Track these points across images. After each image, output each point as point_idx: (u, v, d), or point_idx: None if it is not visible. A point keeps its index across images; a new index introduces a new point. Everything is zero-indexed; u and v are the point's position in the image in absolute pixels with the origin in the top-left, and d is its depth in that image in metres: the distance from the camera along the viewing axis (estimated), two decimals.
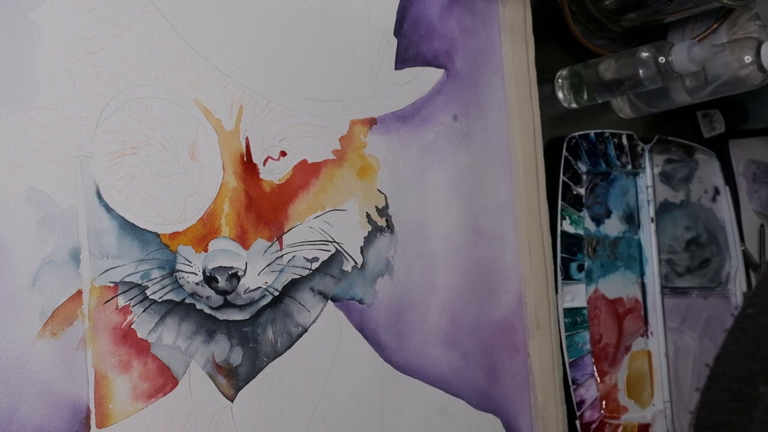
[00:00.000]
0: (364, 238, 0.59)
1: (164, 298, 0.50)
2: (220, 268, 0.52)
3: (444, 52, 0.64)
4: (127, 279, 0.49)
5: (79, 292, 0.47)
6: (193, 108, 0.52)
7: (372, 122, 0.60)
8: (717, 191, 0.84)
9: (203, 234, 0.52)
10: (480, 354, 0.63)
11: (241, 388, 0.53)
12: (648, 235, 0.77)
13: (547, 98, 0.75)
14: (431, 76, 0.64)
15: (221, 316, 0.52)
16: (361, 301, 0.58)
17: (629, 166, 0.77)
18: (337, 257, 0.57)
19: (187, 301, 0.51)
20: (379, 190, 0.60)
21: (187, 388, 0.51)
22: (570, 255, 0.71)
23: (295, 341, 0.55)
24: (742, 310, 0.34)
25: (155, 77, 0.51)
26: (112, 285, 0.48)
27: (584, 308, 0.72)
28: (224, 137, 0.53)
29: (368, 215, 0.59)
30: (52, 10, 0.48)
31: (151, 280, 0.50)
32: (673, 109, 0.79)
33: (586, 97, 0.75)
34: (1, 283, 0.45)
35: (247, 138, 0.54)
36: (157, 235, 0.50)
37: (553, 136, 0.73)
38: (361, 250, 0.59)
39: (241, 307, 0.53)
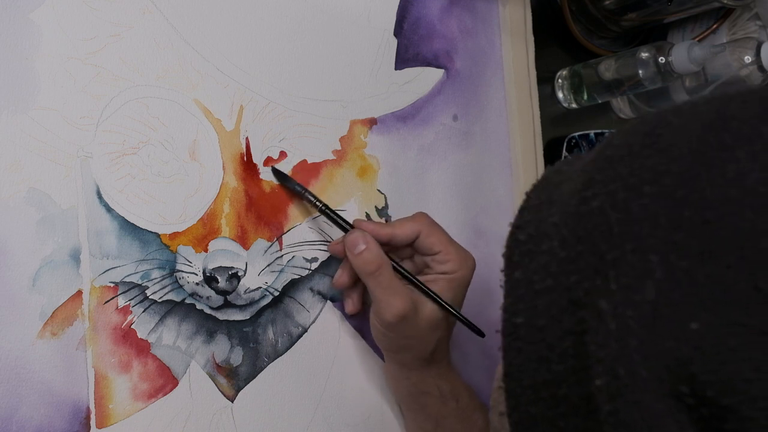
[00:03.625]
0: None
1: (164, 298, 0.50)
2: (220, 268, 0.52)
3: (444, 52, 0.64)
4: (127, 279, 0.49)
5: (79, 292, 0.47)
6: (193, 108, 0.52)
7: (372, 122, 0.60)
8: None
9: (203, 234, 0.52)
10: (480, 354, 0.63)
11: (242, 388, 0.53)
12: None
13: (547, 98, 0.75)
14: (431, 76, 0.64)
15: (221, 316, 0.52)
16: None
17: None
18: (336, 257, 0.57)
19: (188, 301, 0.51)
20: (379, 190, 0.60)
21: (187, 388, 0.51)
22: None
23: (296, 341, 0.55)
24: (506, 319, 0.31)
25: (155, 77, 0.51)
26: (112, 285, 0.48)
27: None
28: (224, 137, 0.53)
29: (368, 215, 0.59)
30: (52, 10, 0.48)
31: (151, 280, 0.50)
32: None
33: (586, 97, 0.75)
34: (1, 283, 0.45)
35: (247, 138, 0.54)
36: (158, 235, 0.50)
37: (553, 136, 0.73)
38: None
39: (242, 307, 0.53)
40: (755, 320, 0.23)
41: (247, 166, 0.54)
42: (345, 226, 0.53)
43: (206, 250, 0.52)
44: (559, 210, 0.29)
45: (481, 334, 0.53)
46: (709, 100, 0.28)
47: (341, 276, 0.55)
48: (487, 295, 0.64)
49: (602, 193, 0.27)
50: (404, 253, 0.55)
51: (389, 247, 0.53)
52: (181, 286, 0.51)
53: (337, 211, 0.55)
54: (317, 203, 0.53)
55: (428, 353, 0.52)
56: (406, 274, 0.52)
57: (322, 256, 0.57)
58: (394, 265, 0.52)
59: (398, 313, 0.50)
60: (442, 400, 0.53)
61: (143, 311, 0.49)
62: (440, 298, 0.52)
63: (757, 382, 0.23)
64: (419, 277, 0.53)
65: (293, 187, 0.54)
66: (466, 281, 0.53)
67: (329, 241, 0.57)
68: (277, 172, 0.54)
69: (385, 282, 0.50)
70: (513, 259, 0.31)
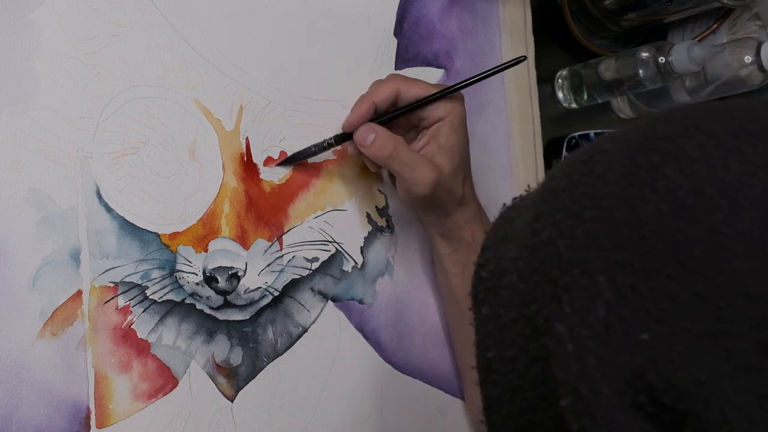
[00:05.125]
0: (364, 238, 0.59)
1: (164, 298, 0.50)
2: (220, 268, 0.52)
3: (444, 52, 0.64)
4: (127, 279, 0.49)
5: (79, 292, 0.47)
6: (193, 108, 0.52)
7: None
8: None
9: (203, 234, 0.52)
10: None
11: (241, 388, 0.53)
12: None
13: (547, 98, 0.75)
14: (431, 76, 0.64)
15: (221, 316, 0.52)
16: (361, 301, 0.58)
17: None
18: (337, 257, 0.57)
19: (187, 301, 0.51)
20: (379, 190, 0.60)
21: (187, 388, 0.51)
22: None
23: (295, 341, 0.55)
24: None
25: (155, 77, 0.51)
26: (112, 285, 0.48)
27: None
28: (224, 137, 0.53)
29: (368, 215, 0.59)
30: (52, 10, 0.48)
31: (151, 280, 0.50)
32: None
33: (586, 97, 0.75)
34: (1, 283, 0.45)
35: (247, 138, 0.54)
36: (157, 235, 0.50)
37: (553, 136, 0.73)
38: (361, 250, 0.59)
39: (241, 307, 0.53)
40: (698, 325, 0.24)
41: (247, 166, 0.54)
42: (348, 136, 0.54)
43: (206, 250, 0.52)
44: (514, 245, 0.31)
45: (519, 59, 0.53)
46: (637, 124, 0.30)
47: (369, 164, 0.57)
48: None
49: (549, 223, 0.29)
50: (401, 126, 0.56)
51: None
52: (181, 286, 0.51)
53: (338, 209, 0.55)
54: (326, 143, 0.55)
55: (460, 195, 0.55)
56: (405, 109, 0.53)
57: (323, 255, 0.57)
58: (389, 116, 0.53)
59: (429, 182, 0.52)
60: (474, 246, 0.55)
61: (143, 311, 0.49)
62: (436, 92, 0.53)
63: (708, 383, 0.23)
64: (421, 143, 0.54)
65: (302, 156, 0.55)
66: (462, 117, 0.54)
67: (329, 241, 0.57)
68: (283, 163, 0.55)
69: (405, 157, 0.52)
70: (479, 297, 0.33)
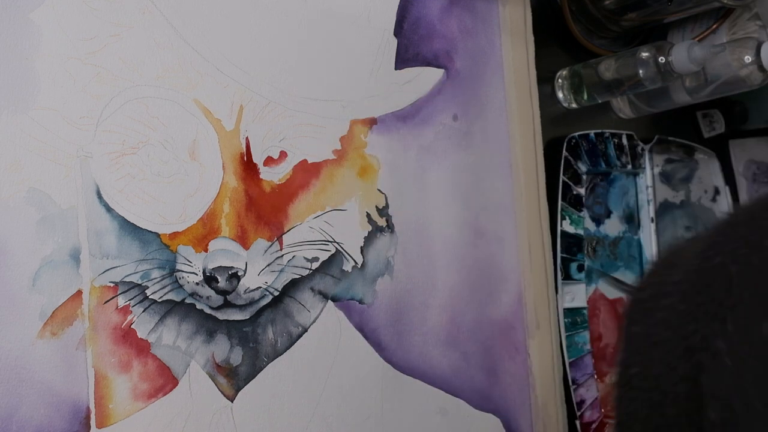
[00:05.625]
0: (364, 238, 0.59)
1: (164, 298, 0.50)
2: (220, 268, 0.52)
3: (444, 52, 0.64)
4: (127, 279, 0.49)
5: (79, 292, 0.47)
6: (193, 108, 0.52)
7: (372, 122, 0.60)
8: (717, 191, 0.84)
9: (203, 234, 0.52)
10: (480, 354, 0.63)
11: (241, 388, 0.53)
12: (648, 235, 0.77)
13: (547, 98, 0.75)
14: (431, 76, 0.64)
15: (221, 316, 0.52)
16: (361, 301, 0.58)
17: (629, 166, 0.77)
18: (337, 257, 0.57)
19: (187, 301, 0.51)
20: (379, 190, 0.60)
21: (187, 388, 0.51)
22: (570, 255, 0.71)
23: (295, 341, 0.55)
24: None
25: (155, 77, 0.51)
26: (112, 285, 0.48)
27: (584, 308, 0.72)
28: (224, 137, 0.53)
29: (368, 215, 0.59)
30: (52, 10, 0.48)
31: (151, 280, 0.50)
32: (673, 109, 0.79)
33: (586, 97, 0.75)
34: (1, 283, 0.45)
35: (247, 138, 0.54)
36: (157, 235, 0.50)
37: (553, 136, 0.73)
38: (361, 250, 0.59)
39: (241, 307, 0.53)
40: None
41: (247, 166, 0.54)
42: None
43: (206, 250, 0.52)
44: (681, 270, 0.32)
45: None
46: None
47: None
48: (488, 295, 0.64)
49: (724, 251, 0.30)
50: None
51: None
52: (181, 286, 0.51)
53: (337, 210, 0.55)
54: None
55: None
56: None
57: (323, 255, 0.57)
58: None
59: None
60: None
61: (143, 311, 0.49)
62: None
63: None
64: None
65: None
66: None
67: (329, 241, 0.57)
68: None
69: None
70: (632, 317, 0.34)
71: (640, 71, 0.69)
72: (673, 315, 0.31)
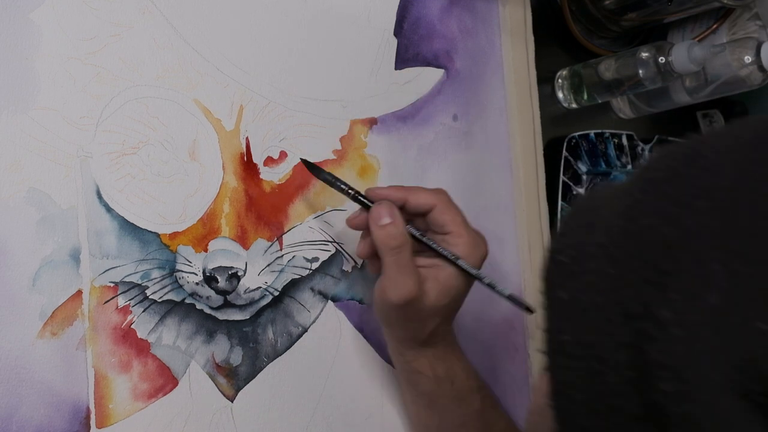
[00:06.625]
0: None
1: (164, 298, 0.50)
2: (220, 268, 0.52)
3: (444, 52, 0.64)
4: (127, 279, 0.49)
5: (79, 292, 0.47)
6: (193, 108, 0.52)
7: (372, 122, 0.60)
8: None
9: (203, 234, 0.52)
10: (480, 354, 0.63)
11: (241, 388, 0.53)
12: None
13: (547, 98, 0.75)
14: (431, 76, 0.64)
15: (221, 316, 0.52)
16: (361, 301, 0.58)
17: (629, 166, 0.77)
18: (337, 257, 0.57)
19: (187, 301, 0.51)
20: None
21: (187, 388, 0.51)
22: None
23: (295, 341, 0.55)
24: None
25: (155, 77, 0.51)
26: (112, 285, 0.48)
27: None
28: (224, 137, 0.53)
29: None
30: (52, 10, 0.48)
31: (151, 280, 0.50)
32: (673, 109, 0.79)
33: (586, 97, 0.75)
34: (1, 283, 0.45)
35: (247, 138, 0.54)
36: (157, 235, 0.50)
37: (553, 136, 0.73)
38: None
39: (241, 307, 0.53)
40: None
41: (247, 166, 0.54)
42: (365, 202, 0.52)
43: (206, 250, 0.52)
44: (602, 230, 0.31)
45: (529, 310, 0.52)
46: (742, 123, 0.31)
47: (362, 247, 0.53)
48: (488, 295, 0.64)
49: (651, 211, 0.29)
50: (416, 226, 0.53)
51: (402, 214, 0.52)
52: (181, 286, 0.51)
53: (337, 210, 0.55)
54: (349, 191, 0.52)
55: (424, 336, 0.52)
56: (431, 245, 0.51)
57: (323, 255, 0.57)
58: (416, 235, 0.51)
59: (404, 296, 0.49)
60: (436, 381, 0.53)
61: (143, 311, 0.49)
62: (481, 280, 0.52)
63: None
64: (426, 255, 0.52)
65: (324, 177, 0.53)
66: (474, 267, 0.52)
67: (329, 241, 0.57)
68: (307, 163, 0.53)
69: (403, 260, 0.49)
70: (554, 281, 0.33)
71: (640, 71, 0.69)
72: (602, 279, 0.30)
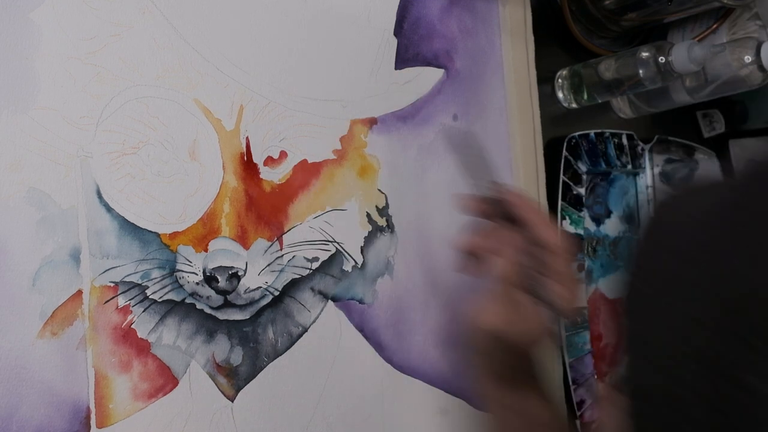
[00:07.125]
0: (365, 237, 0.59)
1: (164, 297, 0.50)
2: (220, 267, 0.52)
3: (444, 52, 0.64)
4: (128, 279, 0.49)
5: (79, 292, 0.47)
6: (193, 108, 0.52)
7: (372, 122, 0.60)
8: None
9: (203, 234, 0.52)
10: None
11: (242, 388, 0.53)
12: None
13: (547, 98, 0.75)
14: (431, 76, 0.64)
15: (221, 315, 0.52)
16: (361, 301, 0.58)
17: (629, 166, 0.77)
18: (337, 257, 0.57)
19: (188, 301, 0.51)
20: (379, 190, 0.60)
21: (187, 388, 0.51)
22: None
23: (296, 341, 0.55)
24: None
25: (155, 77, 0.51)
26: (112, 285, 0.48)
27: (584, 308, 0.72)
28: (224, 137, 0.53)
29: (368, 215, 0.59)
30: (52, 10, 0.48)
31: (152, 279, 0.50)
32: (673, 109, 0.79)
33: (586, 97, 0.75)
34: (1, 283, 0.45)
35: (247, 138, 0.54)
36: (158, 234, 0.50)
37: (553, 136, 0.73)
38: (361, 249, 0.59)
39: (242, 307, 0.53)
40: None
41: (248, 165, 0.54)
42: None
43: (206, 250, 0.52)
44: (689, 265, 0.28)
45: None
46: None
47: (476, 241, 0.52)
48: None
49: (751, 262, 0.26)
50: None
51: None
52: (181, 286, 0.51)
53: (337, 210, 0.54)
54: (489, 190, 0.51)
55: (494, 372, 0.50)
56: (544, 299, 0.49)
57: (323, 255, 0.57)
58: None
59: (493, 326, 0.48)
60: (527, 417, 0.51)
61: (143, 311, 0.49)
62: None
63: None
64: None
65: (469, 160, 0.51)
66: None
67: (329, 241, 0.57)
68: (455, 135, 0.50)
69: (514, 293, 0.48)
70: (636, 315, 0.30)
71: (640, 71, 0.69)
72: (690, 324, 0.27)
